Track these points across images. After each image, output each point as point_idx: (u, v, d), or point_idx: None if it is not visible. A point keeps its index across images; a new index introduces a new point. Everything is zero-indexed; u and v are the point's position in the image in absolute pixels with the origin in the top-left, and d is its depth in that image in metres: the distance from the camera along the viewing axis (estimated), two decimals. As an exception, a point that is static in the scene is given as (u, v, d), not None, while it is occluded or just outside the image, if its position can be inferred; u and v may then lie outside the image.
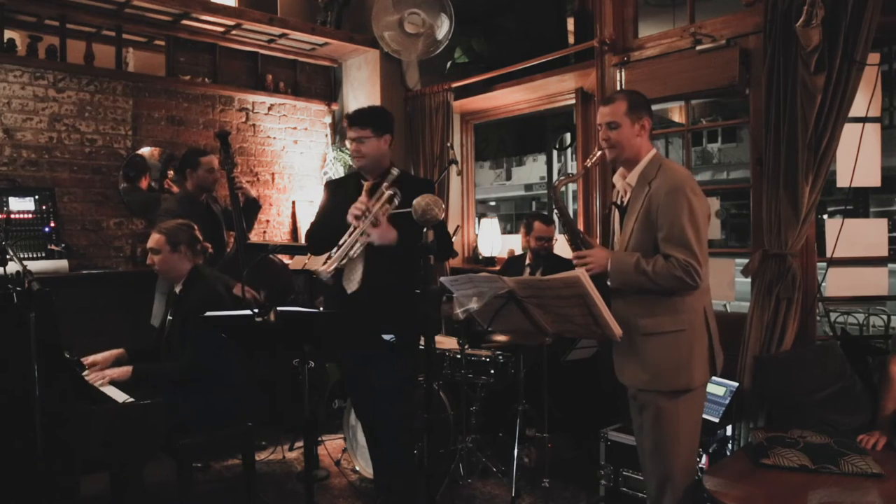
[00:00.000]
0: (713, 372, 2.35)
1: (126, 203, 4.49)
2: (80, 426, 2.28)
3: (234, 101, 5.03)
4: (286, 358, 3.83)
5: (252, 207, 4.11)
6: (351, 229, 2.63)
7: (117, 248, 4.48)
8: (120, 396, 2.52)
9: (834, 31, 2.83)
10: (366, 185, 2.86)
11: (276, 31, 4.88)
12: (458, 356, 3.45)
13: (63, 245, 4.00)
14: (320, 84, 5.61)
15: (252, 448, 2.99)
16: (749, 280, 3.24)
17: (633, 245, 2.29)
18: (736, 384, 3.08)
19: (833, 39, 2.83)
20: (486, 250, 5.07)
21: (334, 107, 5.59)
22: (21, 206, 3.92)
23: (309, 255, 4.23)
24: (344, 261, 2.58)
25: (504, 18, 5.21)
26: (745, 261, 3.29)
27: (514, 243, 5.23)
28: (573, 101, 4.50)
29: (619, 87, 3.85)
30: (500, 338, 3.40)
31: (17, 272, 2.24)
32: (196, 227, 3.05)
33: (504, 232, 5.65)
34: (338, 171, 5.29)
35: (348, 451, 3.69)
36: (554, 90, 4.60)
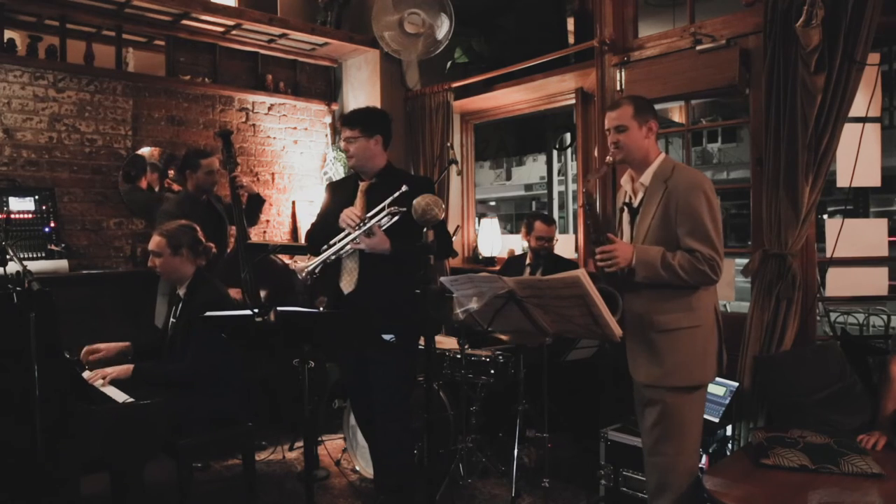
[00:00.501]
0: (720, 370, 2.39)
1: (126, 203, 4.49)
2: (80, 426, 2.28)
3: (234, 101, 5.03)
4: (286, 358, 3.83)
5: (256, 203, 4.12)
6: (343, 234, 2.64)
7: (117, 248, 4.48)
8: (120, 396, 2.52)
9: (834, 31, 2.83)
10: (362, 185, 2.86)
11: (276, 31, 4.88)
12: (458, 356, 3.45)
13: (63, 245, 4.00)
14: (320, 84, 5.61)
15: (252, 448, 2.99)
16: (749, 280, 3.24)
17: (650, 242, 2.33)
18: (736, 384, 3.08)
19: (833, 39, 2.83)
20: (486, 250, 5.07)
21: (334, 107, 5.59)
22: (21, 206, 3.92)
23: (309, 255, 4.24)
24: (322, 264, 2.60)
25: (504, 18, 5.21)
26: (745, 261, 3.30)
27: (514, 243, 5.23)
28: (573, 101, 4.50)
29: (619, 87, 3.86)
30: (501, 337, 3.40)
31: (17, 272, 2.24)
32: (198, 228, 3.04)
33: (504, 232, 5.65)
34: (338, 171, 5.29)
35: (348, 451, 3.69)
36: (554, 90, 4.60)
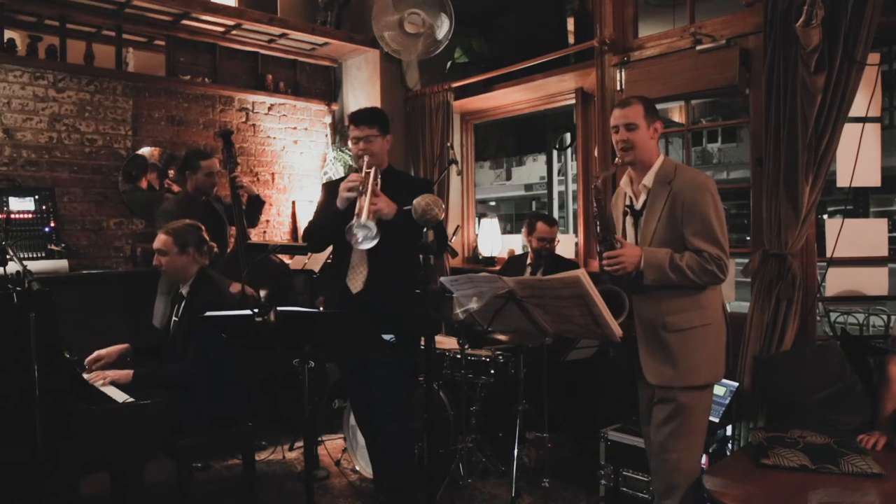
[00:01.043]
0: (728, 368, 2.41)
1: (126, 203, 4.49)
2: (80, 426, 2.28)
3: (234, 101, 5.03)
4: (286, 358, 3.83)
5: (256, 204, 4.12)
6: (358, 205, 2.59)
7: (117, 248, 4.47)
8: (120, 396, 2.52)
9: (834, 31, 2.83)
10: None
11: (276, 31, 4.88)
12: (458, 356, 3.45)
13: (63, 245, 4.00)
14: (320, 84, 5.61)
15: (252, 448, 2.99)
16: (749, 280, 3.24)
17: (657, 243, 2.33)
18: (736, 384, 3.08)
19: (833, 39, 2.83)
20: (486, 250, 5.07)
21: (334, 107, 5.59)
22: (21, 206, 3.92)
23: (309, 255, 4.24)
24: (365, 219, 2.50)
25: (504, 18, 5.21)
26: (745, 261, 3.30)
27: (514, 243, 5.23)
28: (573, 101, 4.50)
29: (619, 87, 3.86)
30: (501, 337, 3.40)
31: (17, 272, 2.24)
32: (203, 227, 3.05)
33: (504, 232, 5.65)
34: (338, 171, 5.28)
35: (348, 451, 3.69)
36: (554, 90, 4.60)
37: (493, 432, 3.72)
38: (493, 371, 3.44)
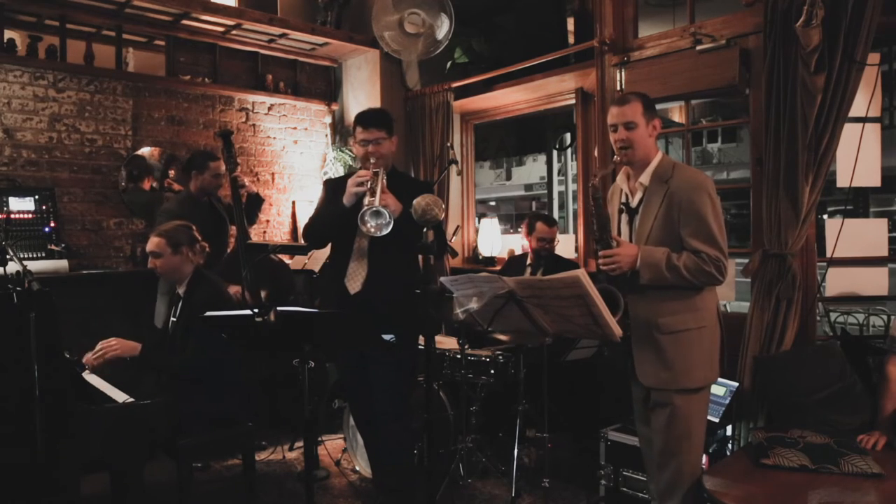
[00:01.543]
0: (723, 370, 2.40)
1: (126, 203, 4.50)
2: (80, 426, 2.28)
3: (234, 101, 5.03)
4: (286, 358, 3.83)
5: (255, 202, 4.12)
6: (366, 202, 2.59)
7: (117, 248, 4.48)
8: (120, 396, 2.52)
9: (834, 31, 2.83)
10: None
11: (276, 31, 4.88)
12: (458, 356, 3.45)
13: (63, 245, 4.00)
14: (320, 84, 5.61)
15: (252, 448, 2.99)
16: (749, 280, 3.24)
17: (652, 243, 2.31)
18: (736, 384, 3.08)
19: (833, 39, 2.83)
20: (486, 250, 5.07)
21: (334, 107, 5.59)
22: (21, 206, 3.92)
23: (309, 255, 4.24)
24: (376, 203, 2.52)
25: (504, 18, 5.21)
26: (745, 261, 3.29)
27: (514, 243, 5.23)
28: (573, 101, 4.50)
29: (619, 88, 3.86)
30: (501, 337, 3.40)
31: (17, 272, 2.24)
32: (194, 227, 3.05)
33: (504, 232, 5.65)
34: (338, 171, 5.28)
35: (348, 451, 3.69)
36: (554, 90, 4.60)
37: (493, 432, 3.72)
38: (493, 371, 3.44)
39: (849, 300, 3.61)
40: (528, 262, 4.01)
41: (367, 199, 2.56)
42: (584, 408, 3.74)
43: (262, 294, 3.77)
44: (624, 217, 2.45)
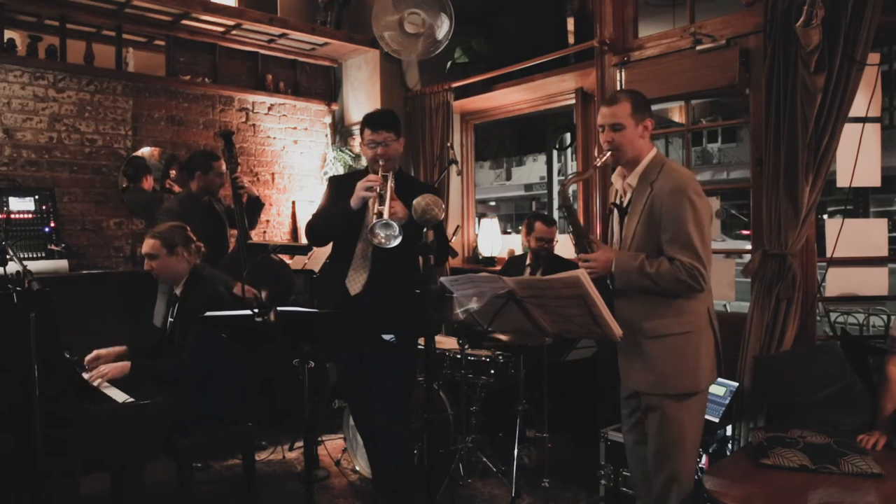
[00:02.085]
0: (719, 373, 2.37)
1: (126, 203, 4.50)
2: (80, 426, 2.28)
3: (234, 101, 5.03)
4: (286, 358, 3.84)
5: (255, 206, 4.12)
6: (371, 208, 2.60)
7: (117, 248, 4.48)
8: (120, 396, 2.52)
9: (834, 31, 2.83)
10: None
11: (276, 31, 4.88)
12: (458, 356, 3.45)
13: (63, 245, 4.00)
14: (320, 84, 5.61)
15: (252, 448, 2.99)
16: (749, 280, 3.24)
17: (636, 246, 2.29)
18: (736, 384, 3.07)
19: (833, 39, 2.83)
20: (486, 250, 5.07)
21: (334, 107, 5.59)
22: (21, 206, 3.92)
23: (309, 255, 4.24)
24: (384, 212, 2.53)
25: (504, 18, 5.20)
26: (745, 261, 3.29)
27: (514, 243, 5.23)
28: (573, 101, 4.49)
29: (619, 87, 3.85)
30: (501, 337, 3.40)
31: (17, 272, 2.24)
32: (189, 227, 3.06)
33: (504, 232, 5.65)
34: (337, 171, 5.28)
35: (348, 451, 3.69)
36: (554, 90, 4.59)
37: (493, 432, 3.72)
38: (493, 371, 3.44)
39: (849, 300, 3.60)
40: (528, 262, 4.02)
41: (375, 207, 2.56)
42: (584, 408, 3.73)
43: (263, 294, 3.77)
44: (616, 217, 2.43)
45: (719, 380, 3.05)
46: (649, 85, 3.59)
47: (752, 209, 3.36)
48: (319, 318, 2.28)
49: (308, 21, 5.18)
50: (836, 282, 3.31)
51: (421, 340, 2.87)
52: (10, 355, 2.14)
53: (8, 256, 2.42)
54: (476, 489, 3.41)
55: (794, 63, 2.95)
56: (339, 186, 2.89)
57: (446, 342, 3.76)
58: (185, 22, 4.62)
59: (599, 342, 3.40)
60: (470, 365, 3.49)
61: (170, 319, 3.01)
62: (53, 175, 4.22)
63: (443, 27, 4.78)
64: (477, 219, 5.56)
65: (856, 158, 3.08)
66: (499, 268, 4.65)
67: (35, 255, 3.85)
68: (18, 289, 2.14)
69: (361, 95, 5.38)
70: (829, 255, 3.19)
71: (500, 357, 3.45)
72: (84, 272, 4.16)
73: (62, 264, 3.91)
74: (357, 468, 3.61)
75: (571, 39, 4.55)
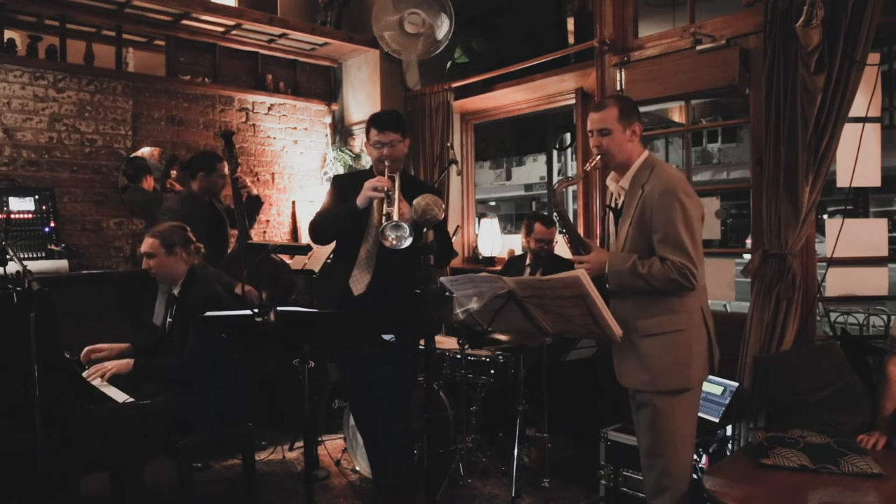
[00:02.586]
0: (711, 371, 2.39)
1: (126, 203, 4.50)
2: (79, 426, 2.28)
3: (234, 101, 5.03)
4: (286, 358, 3.84)
5: (254, 204, 4.12)
6: (377, 209, 2.61)
7: (117, 248, 4.48)
8: (120, 396, 2.52)
9: (834, 31, 2.83)
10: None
11: (276, 31, 4.88)
12: (458, 356, 3.45)
13: (63, 245, 4.00)
14: (320, 84, 5.62)
15: (252, 448, 2.99)
16: (749, 280, 3.24)
17: (629, 247, 2.33)
18: (736, 384, 3.08)
19: (833, 39, 2.83)
20: (486, 250, 5.07)
21: (334, 107, 5.59)
22: (21, 206, 3.92)
23: (309, 255, 4.24)
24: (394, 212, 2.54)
25: (504, 18, 5.21)
26: (745, 261, 3.29)
27: (514, 243, 5.23)
28: (573, 101, 4.50)
29: (619, 87, 3.85)
30: (501, 337, 3.40)
31: (17, 272, 2.24)
32: (188, 227, 3.06)
33: (504, 232, 5.65)
34: (338, 171, 5.28)
35: (348, 451, 3.69)
36: (554, 90, 4.59)
37: (493, 432, 3.72)
38: (493, 371, 3.44)
39: (849, 300, 3.60)
40: (528, 262, 4.02)
41: (384, 208, 2.56)
42: (584, 408, 3.73)
43: (263, 294, 3.77)
44: (612, 219, 2.47)
45: (719, 380, 3.07)
46: (649, 85, 3.59)
47: (752, 209, 3.36)
48: (319, 318, 2.28)
49: (308, 21, 5.18)
50: (836, 282, 3.31)
51: (421, 340, 2.87)
52: (10, 355, 2.14)
53: (8, 256, 2.43)
54: (476, 489, 3.41)
55: (794, 63, 2.95)
56: (344, 186, 2.89)
57: (446, 342, 3.76)
58: (185, 22, 4.62)
59: (600, 342, 3.40)
60: (470, 365, 3.49)
61: (168, 319, 3.01)
62: (53, 175, 4.22)
63: (443, 27, 4.78)
64: (477, 219, 5.56)
65: (856, 158, 3.08)
66: (499, 268, 4.65)
67: (35, 255, 3.85)
68: (18, 289, 2.14)
69: (361, 95, 5.38)
70: (829, 255, 3.19)
71: (500, 357, 3.45)
72: (84, 272, 4.16)
73: (62, 264, 3.91)
74: (357, 468, 3.61)
75: (571, 39, 4.55)
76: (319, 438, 3.91)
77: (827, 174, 2.98)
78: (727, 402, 3.05)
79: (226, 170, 3.92)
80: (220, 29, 4.81)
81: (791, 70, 2.97)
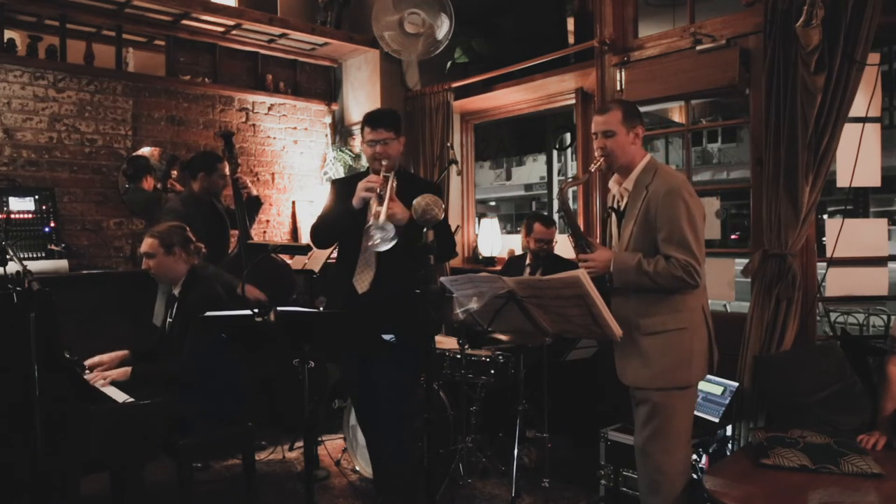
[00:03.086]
0: (710, 370, 2.41)
1: (126, 203, 4.49)
2: (80, 426, 2.28)
3: (234, 101, 5.03)
4: (286, 358, 3.84)
5: (254, 205, 4.13)
6: (373, 208, 2.60)
7: (117, 248, 4.48)
8: (120, 396, 2.52)
9: (834, 31, 2.83)
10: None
11: (276, 31, 4.88)
12: (458, 356, 3.45)
13: (63, 245, 4.00)
14: (320, 84, 5.62)
15: (252, 448, 2.99)
16: (749, 280, 3.24)
17: (633, 246, 2.36)
18: (736, 384, 3.08)
19: (833, 39, 2.83)
20: (486, 250, 5.07)
21: (334, 107, 5.59)
22: (21, 206, 3.92)
23: (309, 255, 4.24)
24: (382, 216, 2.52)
25: (504, 18, 5.21)
26: (745, 261, 3.29)
27: (514, 243, 5.23)
28: (573, 101, 4.50)
29: (619, 87, 3.86)
30: (501, 337, 3.40)
31: (17, 272, 2.24)
32: (189, 227, 3.06)
33: (504, 232, 5.65)
34: (338, 171, 5.29)
35: (348, 451, 3.69)
36: (554, 90, 4.60)
37: (493, 432, 3.72)
38: (493, 371, 3.44)
39: (849, 300, 3.60)
40: (528, 262, 4.02)
41: (374, 208, 2.56)
42: (584, 408, 3.74)
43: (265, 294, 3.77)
44: (614, 220, 2.51)
45: (719, 380, 3.07)
46: (649, 85, 3.59)
47: (752, 209, 3.36)
48: (320, 318, 2.28)
49: (308, 21, 5.18)
50: (836, 282, 3.31)
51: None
52: (10, 355, 2.14)
53: (8, 256, 2.42)
54: (476, 489, 3.41)
55: (794, 63, 2.95)
56: (342, 188, 2.90)
57: (446, 342, 3.76)
58: (185, 22, 4.62)
59: (600, 342, 3.40)
60: (470, 365, 3.49)
61: (168, 319, 3.01)
62: (53, 175, 4.22)
63: (443, 27, 4.78)
64: (477, 219, 5.56)
65: (856, 158, 3.08)
66: (499, 268, 4.65)
67: (35, 255, 3.85)
68: (18, 289, 2.14)
69: (361, 95, 5.38)
70: (829, 255, 3.19)
71: (500, 357, 3.45)
72: (84, 272, 4.16)
73: (62, 264, 3.91)
74: (357, 468, 3.61)
75: (571, 39, 4.55)
76: (319, 438, 3.91)
77: (827, 174, 2.98)
78: (727, 402, 3.05)
79: (226, 170, 3.92)
80: (220, 29, 4.81)
81: (791, 70, 2.97)
